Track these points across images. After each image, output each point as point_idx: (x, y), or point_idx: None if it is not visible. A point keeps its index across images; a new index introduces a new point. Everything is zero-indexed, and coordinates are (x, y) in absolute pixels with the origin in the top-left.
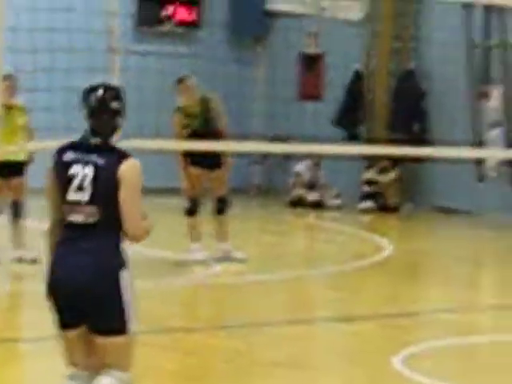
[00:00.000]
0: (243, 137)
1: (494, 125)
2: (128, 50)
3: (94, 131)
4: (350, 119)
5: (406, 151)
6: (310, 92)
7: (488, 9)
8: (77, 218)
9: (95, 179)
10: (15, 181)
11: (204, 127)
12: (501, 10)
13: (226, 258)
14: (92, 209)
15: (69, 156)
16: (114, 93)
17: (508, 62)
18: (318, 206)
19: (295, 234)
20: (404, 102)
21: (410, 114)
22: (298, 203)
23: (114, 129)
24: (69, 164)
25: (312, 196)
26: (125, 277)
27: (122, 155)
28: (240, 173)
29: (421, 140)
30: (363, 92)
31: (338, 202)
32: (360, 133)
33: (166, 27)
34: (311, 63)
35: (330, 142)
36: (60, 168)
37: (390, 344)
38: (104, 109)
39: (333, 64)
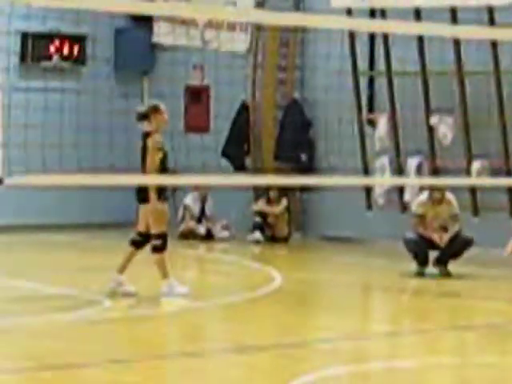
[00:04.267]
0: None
1: (381, 152)
2: (12, 86)
3: None
4: (237, 150)
5: (294, 181)
6: (197, 124)
7: (372, 37)
8: None
9: None
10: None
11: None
12: (385, 38)
13: (116, 291)
14: None
15: None
16: None
17: (393, 90)
18: (208, 237)
19: (186, 266)
20: (290, 132)
21: (296, 144)
22: (188, 235)
23: None
24: None
25: (201, 228)
26: None
27: None
28: (128, 206)
29: (308, 169)
30: (249, 123)
31: (226, 233)
32: (247, 164)
33: (51, 63)
34: (197, 96)
35: (218, 174)
36: None
37: (283, 374)
38: None
39: (219, 96)
